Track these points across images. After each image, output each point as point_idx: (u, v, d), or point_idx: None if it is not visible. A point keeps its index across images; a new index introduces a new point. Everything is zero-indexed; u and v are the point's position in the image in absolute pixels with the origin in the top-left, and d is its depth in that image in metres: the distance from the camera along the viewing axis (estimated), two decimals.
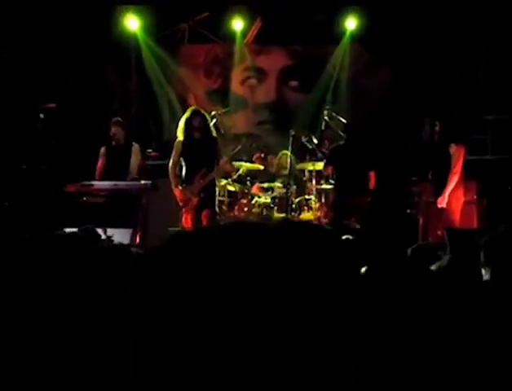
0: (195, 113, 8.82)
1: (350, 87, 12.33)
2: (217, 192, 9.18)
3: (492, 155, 11.11)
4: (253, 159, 10.81)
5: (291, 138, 10.27)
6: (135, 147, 9.08)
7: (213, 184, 8.80)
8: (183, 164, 8.65)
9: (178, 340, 1.26)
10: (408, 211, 9.58)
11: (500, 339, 2.73)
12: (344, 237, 8.39)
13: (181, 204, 8.61)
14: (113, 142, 9.01)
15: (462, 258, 4.63)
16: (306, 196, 10.26)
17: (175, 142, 8.75)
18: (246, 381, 1.24)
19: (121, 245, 3.77)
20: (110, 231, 7.70)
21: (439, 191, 8.28)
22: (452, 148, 8.29)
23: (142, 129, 12.33)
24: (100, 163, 9.03)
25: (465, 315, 2.89)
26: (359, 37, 12.16)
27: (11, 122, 9.55)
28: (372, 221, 9.04)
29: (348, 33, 12.19)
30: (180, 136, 8.68)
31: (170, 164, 8.66)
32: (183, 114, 10.81)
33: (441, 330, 2.66)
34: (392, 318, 2.60)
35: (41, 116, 9.50)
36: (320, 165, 10.12)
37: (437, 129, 8.44)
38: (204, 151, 8.47)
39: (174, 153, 8.66)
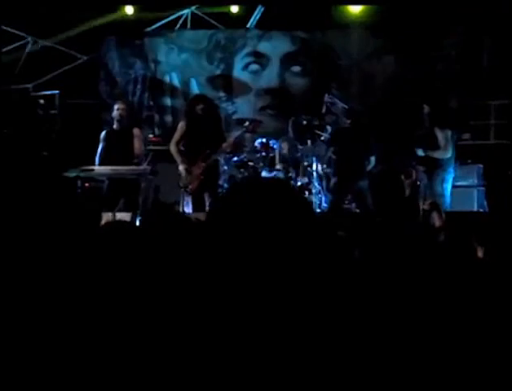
0: (199, 99, 8.89)
1: (353, 73, 12.30)
2: (219, 175, 9.22)
3: (494, 139, 11.13)
4: (255, 144, 10.79)
5: (291, 123, 10.32)
6: (136, 131, 9.06)
7: (215, 167, 8.82)
8: (183, 148, 8.68)
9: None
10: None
11: (495, 315, 2.73)
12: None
13: (182, 185, 8.63)
14: (115, 124, 8.97)
15: (458, 237, 4.64)
16: (307, 180, 10.26)
17: (179, 124, 8.83)
18: None
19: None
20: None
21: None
22: (437, 132, 8.51)
23: (145, 115, 12.39)
24: (100, 148, 9.01)
25: (460, 290, 2.90)
26: (364, 23, 12.09)
27: (11, 108, 9.55)
28: (371, 205, 9.05)
29: (352, 18, 12.12)
30: (184, 119, 8.76)
31: (172, 142, 8.68)
32: (186, 100, 10.84)
33: (436, 305, 2.66)
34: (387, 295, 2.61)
35: (42, 101, 9.50)
36: (321, 149, 10.18)
37: (425, 111, 8.63)
38: (207, 134, 8.48)
39: (176, 134, 8.72)
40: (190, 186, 8.54)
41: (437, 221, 7.20)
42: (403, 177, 8.82)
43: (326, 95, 10.38)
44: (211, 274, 1.80)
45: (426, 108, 8.65)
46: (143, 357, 1.90)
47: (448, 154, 8.55)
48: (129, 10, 11.99)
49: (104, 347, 2.09)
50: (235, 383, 1.62)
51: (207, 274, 1.84)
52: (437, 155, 8.51)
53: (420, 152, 8.55)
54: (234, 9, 12.16)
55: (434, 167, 8.52)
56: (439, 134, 8.50)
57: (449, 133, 8.56)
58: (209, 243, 1.83)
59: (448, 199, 8.49)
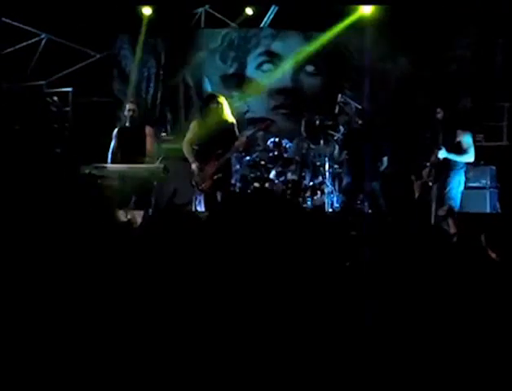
0: (211, 97, 8.87)
1: (366, 73, 12.27)
2: (232, 174, 9.20)
3: (508, 141, 11.09)
4: (268, 143, 10.79)
5: (303, 123, 10.34)
6: (148, 129, 9.07)
7: (227, 166, 8.79)
8: (196, 147, 8.68)
9: None
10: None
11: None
12: None
13: (194, 184, 8.62)
14: (127, 123, 8.99)
15: (469, 239, 4.63)
16: (319, 180, 10.25)
17: (192, 123, 8.81)
18: None
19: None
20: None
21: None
22: (459, 136, 8.37)
23: (158, 113, 12.41)
24: (113, 145, 9.03)
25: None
26: (377, 23, 12.05)
27: (25, 105, 9.57)
28: (383, 205, 9.03)
29: (364, 18, 12.08)
30: (197, 118, 8.75)
31: (185, 141, 8.68)
32: (199, 98, 10.83)
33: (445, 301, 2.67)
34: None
35: (55, 98, 9.53)
36: (334, 149, 10.17)
37: (439, 116, 8.51)
38: (219, 133, 8.46)
39: (189, 132, 8.70)
40: (203, 185, 8.53)
41: (452, 228, 7.16)
42: (413, 177, 8.76)
43: (339, 95, 10.36)
44: (212, 273, 1.81)
45: (440, 109, 8.55)
46: (148, 350, 1.90)
47: (473, 157, 8.40)
48: (146, 11, 11.99)
49: (112, 340, 2.11)
50: (234, 378, 1.63)
51: (208, 274, 1.85)
52: (463, 159, 8.35)
53: (441, 154, 8.34)
54: (248, 10, 12.15)
55: (448, 169, 8.42)
56: (462, 138, 8.32)
57: (471, 136, 8.41)
58: (211, 241, 1.85)
59: (458, 200, 8.42)
